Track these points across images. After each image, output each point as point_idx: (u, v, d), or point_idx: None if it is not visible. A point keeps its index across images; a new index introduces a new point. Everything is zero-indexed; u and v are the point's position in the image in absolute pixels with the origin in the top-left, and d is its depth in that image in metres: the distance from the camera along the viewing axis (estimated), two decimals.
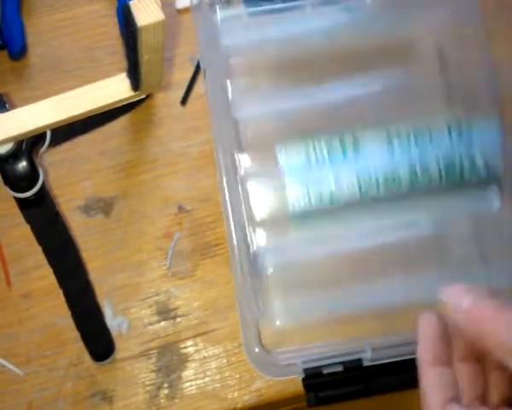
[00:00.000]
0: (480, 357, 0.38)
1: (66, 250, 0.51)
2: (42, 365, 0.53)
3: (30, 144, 0.46)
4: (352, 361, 0.50)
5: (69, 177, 0.56)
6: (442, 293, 0.35)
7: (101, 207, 0.55)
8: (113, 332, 0.53)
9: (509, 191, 0.54)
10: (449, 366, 0.37)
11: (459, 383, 0.37)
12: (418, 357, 0.37)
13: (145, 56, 0.43)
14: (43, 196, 0.48)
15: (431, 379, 0.37)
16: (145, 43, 0.42)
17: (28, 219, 0.49)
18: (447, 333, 0.37)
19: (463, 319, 0.34)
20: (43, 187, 0.47)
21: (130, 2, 0.40)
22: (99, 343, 0.53)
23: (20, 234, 0.54)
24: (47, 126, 0.45)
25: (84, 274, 0.53)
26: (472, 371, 0.38)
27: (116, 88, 0.47)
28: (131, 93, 0.47)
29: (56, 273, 0.51)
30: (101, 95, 0.46)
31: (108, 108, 0.47)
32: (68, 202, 0.55)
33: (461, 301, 0.34)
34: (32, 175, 0.47)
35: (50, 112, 0.45)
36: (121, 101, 0.47)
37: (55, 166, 0.56)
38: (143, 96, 0.49)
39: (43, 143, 0.48)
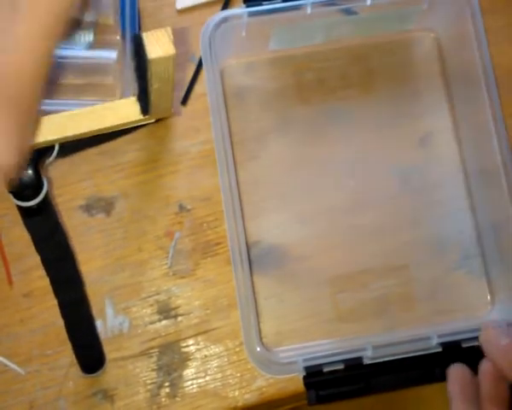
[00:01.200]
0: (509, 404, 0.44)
1: (64, 261, 0.51)
2: (43, 364, 0.53)
3: (37, 154, 0.47)
4: (352, 359, 0.50)
5: (70, 176, 0.56)
6: (483, 333, 0.45)
7: (102, 206, 0.56)
8: (115, 331, 0.54)
9: None
10: (476, 405, 0.44)
11: None
12: (449, 392, 0.45)
13: (154, 85, 0.44)
14: (46, 206, 0.48)
15: None
16: (155, 73, 0.42)
17: (29, 228, 0.49)
18: (474, 378, 0.45)
19: (501, 355, 0.42)
20: (46, 197, 0.48)
21: (143, 34, 0.41)
22: (89, 356, 0.52)
23: (22, 234, 0.54)
24: (54, 141, 0.45)
25: (80, 286, 0.53)
26: None
27: (126, 110, 0.47)
28: (140, 117, 0.47)
29: (53, 283, 0.51)
30: (111, 116, 0.46)
31: (117, 129, 0.47)
32: (69, 202, 0.55)
33: (499, 340, 0.43)
34: (36, 185, 0.47)
35: (58, 128, 0.45)
36: (130, 123, 0.47)
37: (56, 165, 0.56)
38: (153, 121, 0.49)
39: (51, 155, 0.48)
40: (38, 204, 0.47)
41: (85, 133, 0.47)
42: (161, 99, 0.46)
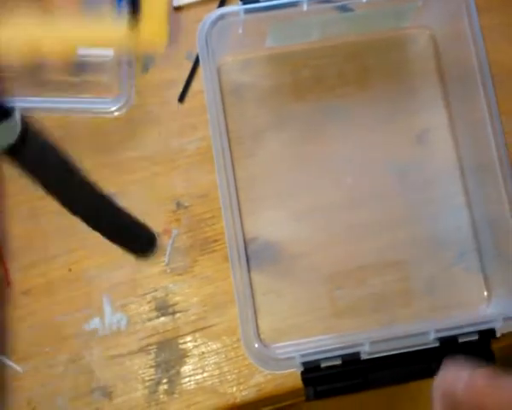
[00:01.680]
0: None
1: (67, 172, 0.42)
2: (41, 361, 0.53)
3: None
4: (350, 355, 0.50)
5: None
6: (441, 372, 0.40)
7: None
8: (113, 328, 0.54)
9: None
10: None
11: None
12: (433, 391, 0.41)
13: None
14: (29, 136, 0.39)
15: None
16: None
17: (18, 162, 0.42)
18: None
19: (462, 394, 0.38)
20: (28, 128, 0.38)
21: None
22: (138, 241, 0.46)
23: (20, 231, 0.54)
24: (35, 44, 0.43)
25: (95, 188, 0.44)
26: None
27: (113, 23, 0.45)
28: (126, 30, 0.45)
29: (62, 199, 0.43)
30: (97, 28, 0.45)
31: (102, 46, 0.45)
32: None
33: (458, 379, 0.38)
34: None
35: (42, 26, 0.43)
36: (116, 38, 0.45)
37: None
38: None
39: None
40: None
41: (67, 40, 0.44)
42: (153, 11, 0.44)
